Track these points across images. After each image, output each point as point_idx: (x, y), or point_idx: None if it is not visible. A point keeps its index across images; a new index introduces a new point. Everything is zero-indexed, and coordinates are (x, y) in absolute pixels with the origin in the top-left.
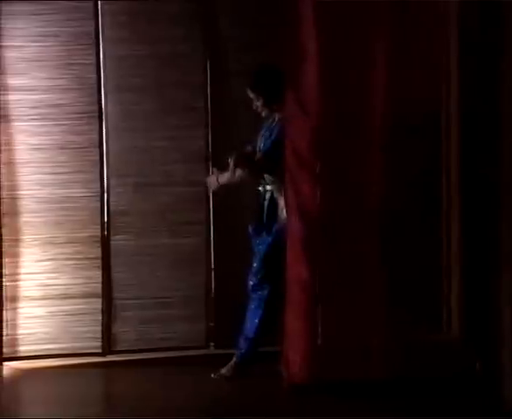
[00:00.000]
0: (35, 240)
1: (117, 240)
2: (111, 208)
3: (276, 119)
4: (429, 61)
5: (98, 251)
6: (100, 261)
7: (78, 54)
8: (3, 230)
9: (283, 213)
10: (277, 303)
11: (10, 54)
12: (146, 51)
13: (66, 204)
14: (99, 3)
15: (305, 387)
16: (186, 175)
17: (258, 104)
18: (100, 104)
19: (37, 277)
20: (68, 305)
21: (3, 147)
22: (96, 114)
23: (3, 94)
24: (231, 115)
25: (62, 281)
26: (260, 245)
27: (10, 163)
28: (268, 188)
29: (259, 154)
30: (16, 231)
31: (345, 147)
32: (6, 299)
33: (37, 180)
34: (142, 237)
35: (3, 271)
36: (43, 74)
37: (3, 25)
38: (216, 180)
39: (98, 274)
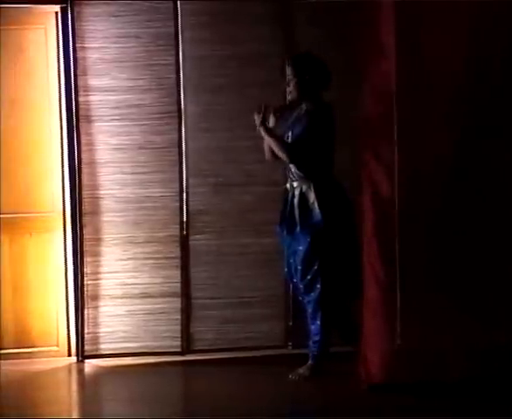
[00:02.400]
0: (115, 239)
1: (196, 240)
2: (190, 207)
3: (304, 109)
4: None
5: (177, 251)
6: (179, 260)
7: (158, 55)
8: (85, 230)
9: (315, 206)
10: (332, 297)
11: (91, 55)
12: (226, 52)
13: (146, 204)
14: (178, 3)
15: (383, 387)
16: (266, 174)
17: (291, 82)
18: (180, 104)
19: (117, 276)
20: (148, 304)
21: (84, 148)
22: (176, 114)
23: (85, 95)
24: None
25: (142, 280)
26: (300, 246)
27: (92, 163)
28: (295, 184)
29: (287, 148)
30: (97, 231)
31: (425, 141)
32: (87, 298)
33: (117, 180)
34: (221, 237)
35: (85, 269)
36: (123, 75)
37: (84, 27)
38: (259, 121)
39: (177, 273)
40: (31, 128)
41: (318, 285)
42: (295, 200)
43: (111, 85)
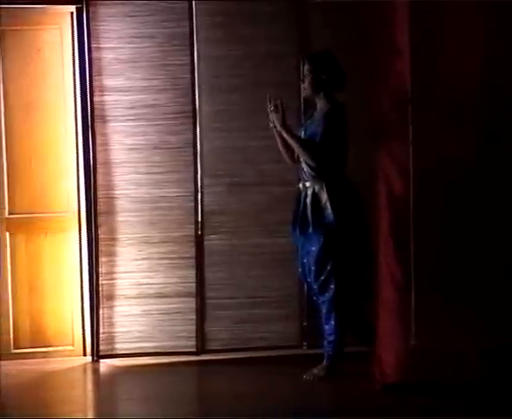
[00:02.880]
0: (130, 239)
1: (211, 240)
2: (205, 207)
3: (319, 109)
4: None
5: (192, 251)
6: (194, 260)
7: (173, 55)
8: (100, 230)
9: (327, 207)
10: (346, 297)
11: (106, 56)
12: (240, 52)
13: (161, 204)
14: (193, 3)
15: (397, 387)
16: (281, 174)
17: (306, 78)
18: (195, 104)
19: (132, 275)
20: (163, 304)
21: (99, 148)
22: (191, 114)
23: (100, 95)
24: None
25: (157, 280)
26: (313, 246)
27: (107, 163)
28: (308, 184)
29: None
30: (112, 231)
31: (440, 141)
32: (103, 297)
33: (132, 180)
34: (236, 237)
35: (100, 269)
36: (138, 75)
37: (99, 27)
38: (279, 121)
39: (192, 273)
40: (46, 128)
41: (332, 286)
42: (308, 200)
43: (126, 85)
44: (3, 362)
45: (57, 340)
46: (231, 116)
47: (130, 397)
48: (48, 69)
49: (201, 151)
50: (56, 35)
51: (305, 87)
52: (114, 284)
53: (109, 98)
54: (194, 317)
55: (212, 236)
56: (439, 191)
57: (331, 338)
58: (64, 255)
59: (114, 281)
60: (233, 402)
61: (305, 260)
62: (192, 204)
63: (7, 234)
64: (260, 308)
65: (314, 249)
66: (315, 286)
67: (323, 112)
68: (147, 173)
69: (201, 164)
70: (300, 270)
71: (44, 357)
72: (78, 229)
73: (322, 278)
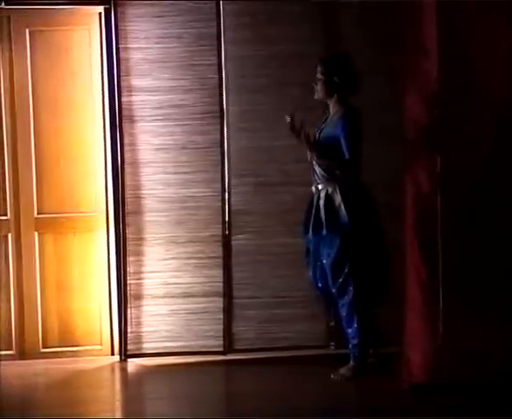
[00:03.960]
0: (158, 239)
1: (238, 239)
2: (232, 207)
3: (332, 112)
4: None
5: (219, 250)
6: (221, 260)
7: (200, 55)
8: (128, 229)
9: (341, 208)
10: (366, 298)
11: (134, 56)
12: (267, 52)
13: (188, 204)
14: (221, 3)
15: (425, 387)
16: (306, 174)
17: (319, 80)
18: (222, 104)
19: (159, 275)
20: (190, 304)
21: (127, 148)
22: (218, 114)
23: (128, 95)
24: None
25: (184, 280)
26: (329, 249)
27: (134, 163)
28: (320, 187)
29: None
30: (139, 230)
31: (467, 141)
32: (130, 297)
33: (159, 179)
34: (263, 237)
35: (128, 269)
36: (166, 75)
37: (127, 28)
38: (309, 146)
39: (219, 273)
40: (74, 128)
41: (351, 288)
42: (321, 202)
43: (154, 85)
44: (31, 361)
45: (85, 339)
46: (258, 116)
47: (158, 396)
48: (76, 69)
49: (228, 151)
50: (84, 35)
51: (317, 90)
52: (142, 283)
53: (137, 98)
54: (221, 316)
55: (239, 235)
56: (467, 191)
57: (355, 341)
58: (92, 254)
59: (142, 281)
60: (260, 402)
61: (318, 263)
62: (219, 204)
63: (35, 234)
64: (287, 308)
65: (329, 252)
66: (334, 290)
67: (339, 115)
68: (174, 173)
69: (228, 164)
70: (310, 273)
71: (73, 356)
72: (106, 228)
73: (340, 280)
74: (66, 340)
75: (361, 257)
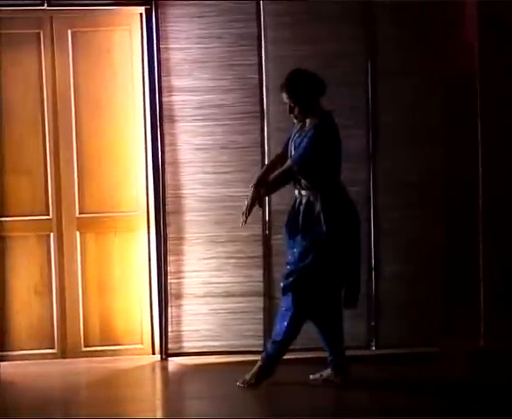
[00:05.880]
0: (198, 238)
1: (278, 239)
2: (272, 207)
3: (308, 124)
4: None
5: (259, 250)
6: (261, 260)
7: (240, 55)
8: (168, 229)
9: (320, 218)
10: (309, 306)
11: (174, 56)
12: (307, 51)
13: (228, 203)
14: (261, 3)
15: (465, 386)
16: (348, 174)
17: (291, 106)
18: (262, 104)
19: (200, 274)
20: (230, 303)
21: (167, 148)
22: (258, 114)
23: (168, 95)
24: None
25: (224, 279)
26: (295, 248)
27: (175, 163)
28: (304, 193)
29: (291, 160)
30: (180, 230)
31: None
32: (171, 296)
33: (200, 179)
34: None
35: (168, 268)
36: (206, 75)
37: (168, 28)
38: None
39: (259, 273)
40: (115, 128)
41: (299, 289)
42: (302, 207)
43: (194, 85)
44: (73, 360)
45: (126, 338)
46: None
47: (198, 396)
48: (117, 69)
49: (268, 151)
50: (125, 36)
51: (295, 115)
52: (182, 282)
53: (177, 98)
54: (261, 316)
55: (279, 235)
56: (508, 189)
57: (278, 338)
58: (132, 254)
59: (182, 280)
60: (301, 400)
61: (288, 266)
62: None
63: (77, 233)
64: None
65: (295, 251)
66: (283, 284)
67: (312, 124)
68: (214, 172)
69: None
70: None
71: (114, 355)
72: (146, 228)
73: (292, 279)
74: (108, 339)
75: (327, 268)
